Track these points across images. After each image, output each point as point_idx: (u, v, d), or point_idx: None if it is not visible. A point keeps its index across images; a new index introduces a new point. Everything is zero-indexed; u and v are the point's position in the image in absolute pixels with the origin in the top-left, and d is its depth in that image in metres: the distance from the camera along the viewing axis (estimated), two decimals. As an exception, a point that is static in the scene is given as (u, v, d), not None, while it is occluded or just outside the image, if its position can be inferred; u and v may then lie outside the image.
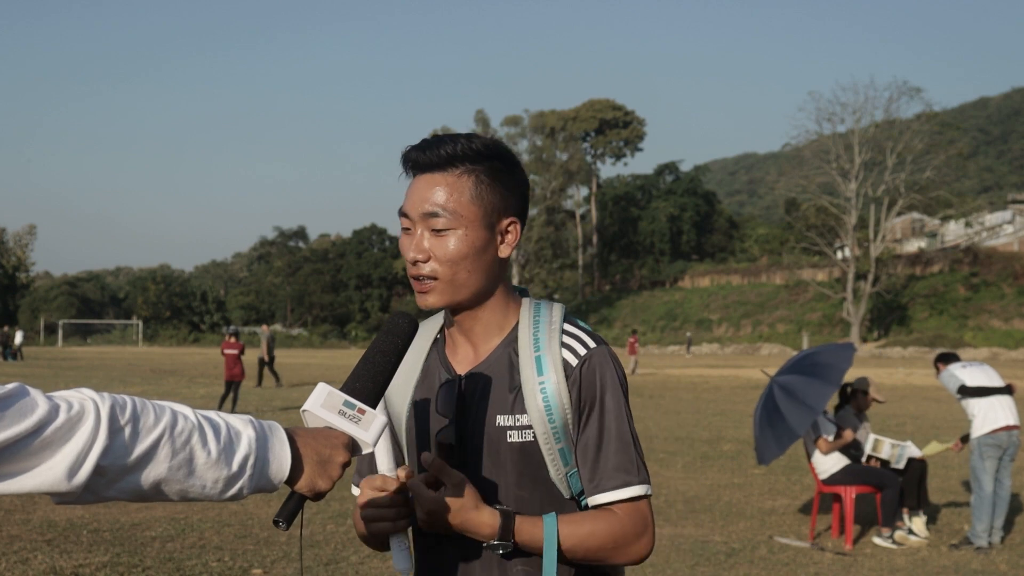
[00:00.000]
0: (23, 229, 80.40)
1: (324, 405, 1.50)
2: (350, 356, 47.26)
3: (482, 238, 1.63)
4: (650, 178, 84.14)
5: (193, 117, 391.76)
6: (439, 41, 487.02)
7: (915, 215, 68.85)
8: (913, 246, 69.05)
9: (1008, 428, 7.33)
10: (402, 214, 1.66)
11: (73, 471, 1.21)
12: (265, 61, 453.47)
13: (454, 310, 1.68)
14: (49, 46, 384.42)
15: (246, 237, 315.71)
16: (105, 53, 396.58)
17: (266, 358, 23.64)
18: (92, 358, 40.92)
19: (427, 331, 1.79)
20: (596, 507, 1.62)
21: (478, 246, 1.62)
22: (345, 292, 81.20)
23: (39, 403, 1.20)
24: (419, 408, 1.73)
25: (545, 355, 1.62)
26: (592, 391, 1.62)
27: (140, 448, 1.27)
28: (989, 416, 7.35)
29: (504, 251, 1.66)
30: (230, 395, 17.05)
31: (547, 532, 1.55)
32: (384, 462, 1.58)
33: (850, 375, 8.31)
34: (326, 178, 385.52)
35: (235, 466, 1.35)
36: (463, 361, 1.71)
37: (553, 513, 1.59)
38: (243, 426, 1.39)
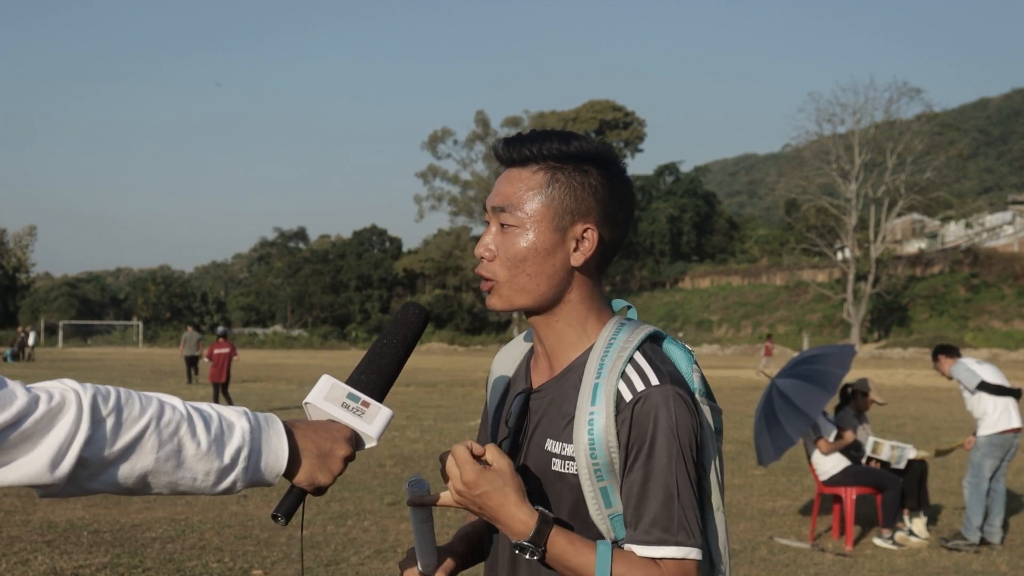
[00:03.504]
0: (23, 230, 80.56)
1: (327, 397, 1.45)
2: (350, 357, 47.25)
3: (548, 241, 1.52)
4: (650, 179, 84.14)
5: (193, 117, 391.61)
6: (439, 41, 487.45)
7: (915, 216, 68.87)
8: (913, 247, 69.05)
9: (1015, 431, 7.40)
10: (484, 209, 1.60)
11: (55, 463, 1.18)
12: (265, 61, 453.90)
13: (528, 316, 1.59)
14: (49, 46, 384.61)
15: (246, 238, 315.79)
16: (105, 53, 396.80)
17: (199, 354, 24.20)
18: (92, 359, 40.91)
19: (524, 343, 1.73)
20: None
21: (542, 249, 1.52)
22: (345, 293, 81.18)
23: (18, 394, 1.17)
24: (493, 418, 1.69)
25: (602, 384, 1.48)
26: (643, 434, 1.45)
27: (124, 439, 1.24)
28: (1003, 417, 7.41)
29: (577, 259, 1.53)
30: (224, 396, 17.18)
31: (600, 561, 1.43)
32: (425, 556, 1.63)
33: (850, 376, 8.31)
34: (326, 178, 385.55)
35: (227, 458, 1.31)
36: (541, 375, 1.62)
37: (608, 541, 1.46)
38: (237, 418, 1.35)
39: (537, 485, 1.54)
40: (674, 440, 1.45)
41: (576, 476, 1.49)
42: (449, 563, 1.69)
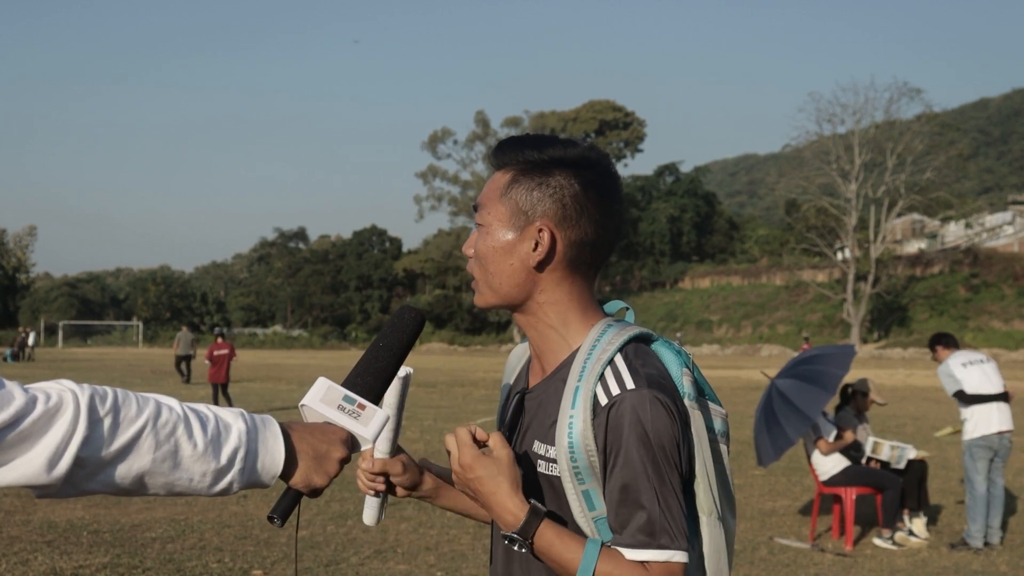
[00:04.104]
0: (23, 230, 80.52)
1: (323, 400, 1.46)
2: (350, 357, 47.22)
3: (505, 240, 1.55)
4: (650, 179, 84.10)
5: (193, 117, 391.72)
6: (439, 42, 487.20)
7: (915, 216, 68.86)
8: (913, 247, 69.03)
9: (1000, 432, 7.35)
10: None
11: (52, 463, 1.19)
12: (265, 61, 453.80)
13: (512, 316, 1.65)
14: (49, 46, 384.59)
15: (246, 238, 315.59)
16: (105, 53, 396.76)
17: (192, 353, 24.62)
18: (92, 359, 40.90)
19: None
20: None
21: (499, 248, 1.56)
22: (345, 293, 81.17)
23: (15, 395, 1.17)
24: (499, 417, 1.72)
25: (581, 388, 1.48)
26: (618, 439, 1.45)
27: (121, 439, 1.24)
28: (981, 421, 7.38)
29: (533, 259, 1.55)
30: (224, 397, 17.18)
31: (585, 558, 1.44)
32: (382, 445, 1.66)
33: (851, 376, 8.31)
34: (326, 178, 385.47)
35: (224, 459, 1.32)
36: (535, 375, 1.65)
37: (598, 540, 1.46)
38: (233, 419, 1.36)
39: (527, 485, 1.55)
40: (649, 444, 1.43)
41: (559, 478, 1.50)
42: (411, 466, 1.74)
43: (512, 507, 1.46)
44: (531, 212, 1.55)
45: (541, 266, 1.56)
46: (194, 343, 24.64)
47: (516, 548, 1.47)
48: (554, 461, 1.51)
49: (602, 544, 1.46)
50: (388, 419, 1.51)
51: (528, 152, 1.57)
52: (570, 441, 1.47)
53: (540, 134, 1.62)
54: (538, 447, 1.55)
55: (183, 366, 24.48)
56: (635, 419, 1.44)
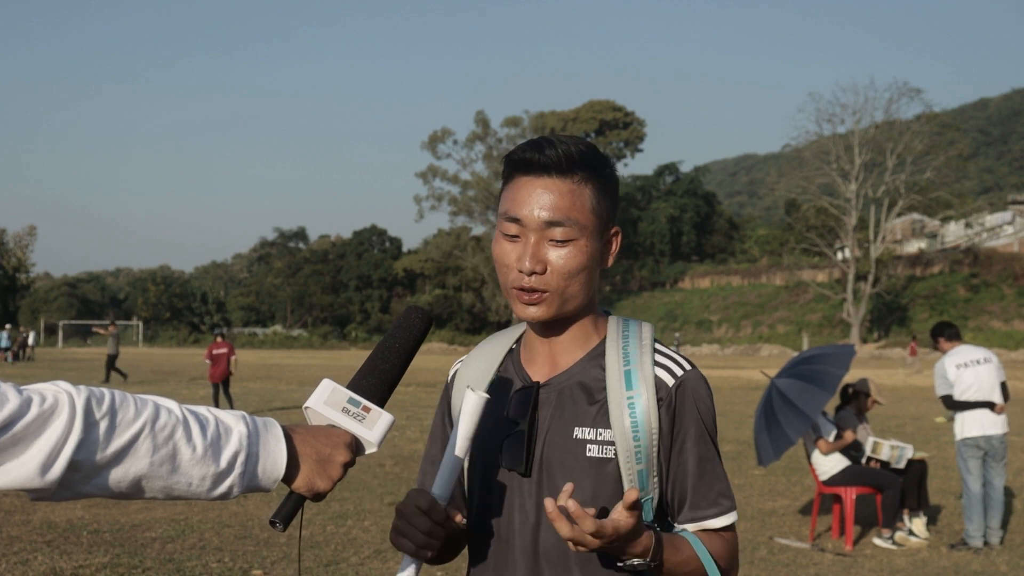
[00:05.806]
0: (23, 230, 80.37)
1: (327, 402, 1.44)
2: (350, 357, 47.25)
3: (598, 250, 1.57)
4: (650, 179, 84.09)
5: (193, 117, 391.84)
6: (439, 42, 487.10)
7: (915, 216, 68.84)
8: (913, 247, 69.00)
9: (987, 436, 7.34)
10: (510, 219, 1.54)
11: (46, 466, 1.17)
12: (265, 61, 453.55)
13: (550, 320, 1.60)
14: (49, 46, 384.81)
15: (246, 238, 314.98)
16: (105, 53, 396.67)
17: (114, 353, 24.63)
18: (92, 359, 40.89)
19: (504, 340, 1.73)
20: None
21: (595, 258, 1.56)
22: (345, 293, 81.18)
23: (10, 397, 1.15)
24: (486, 415, 1.69)
25: (636, 371, 1.55)
26: (688, 416, 1.55)
27: (118, 443, 1.22)
28: (967, 423, 7.40)
29: (609, 261, 1.61)
30: (225, 396, 17.13)
31: (699, 550, 1.53)
32: (440, 485, 1.51)
33: (851, 376, 8.30)
34: (326, 178, 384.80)
35: (223, 463, 1.29)
36: (541, 371, 1.63)
37: (695, 534, 1.56)
38: (234, 422, 1.33)
39: (571, 473, 1.55)
40: (712, 418, 1.60)
41: (614, 460, 1.54)
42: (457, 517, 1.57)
43: (643, 539, 1.47)
44: (611, 217, 1.60)
45: (606, 268, 1.63)
46: (118, 341, 25.00)
47: (639, 570, 1.50)
48: (610, 443, 1.54)
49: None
50: (393, 422, 1.46)
51: (590, 155, 1.56)
52: (634, 421, 1.53)
53: (571, 135, 1.59)
54: (582, 432, 1.56)
55: (113, 367, 24.30)
56: (700, 395, 1.58)
